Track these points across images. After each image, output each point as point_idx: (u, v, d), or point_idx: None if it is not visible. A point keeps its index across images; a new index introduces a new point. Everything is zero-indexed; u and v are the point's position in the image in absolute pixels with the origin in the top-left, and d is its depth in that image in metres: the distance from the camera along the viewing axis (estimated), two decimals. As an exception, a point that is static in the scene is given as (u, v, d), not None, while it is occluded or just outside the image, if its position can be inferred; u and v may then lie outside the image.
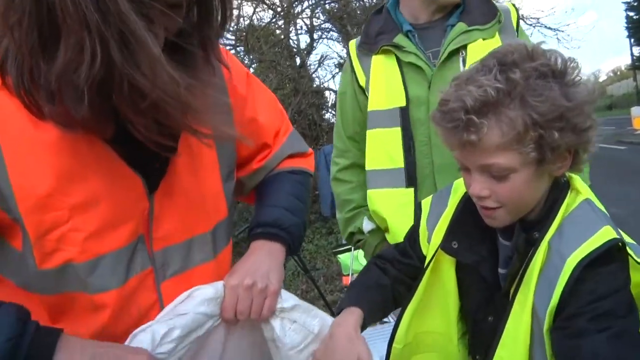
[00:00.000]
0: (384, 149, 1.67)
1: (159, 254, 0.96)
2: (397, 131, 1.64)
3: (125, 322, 0.92)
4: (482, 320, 1.17)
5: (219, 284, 1.03)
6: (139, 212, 0.92)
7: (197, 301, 0.98)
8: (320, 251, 7.20)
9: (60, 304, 0.87)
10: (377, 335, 1.92)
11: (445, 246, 1.16)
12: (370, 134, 1.70)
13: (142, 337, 0.90)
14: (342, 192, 1.86)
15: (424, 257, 1.26)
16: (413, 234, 1.31)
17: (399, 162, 1.64)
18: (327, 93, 11.91)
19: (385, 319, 4.08)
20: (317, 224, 7.85)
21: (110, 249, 0.88)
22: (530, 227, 1.05)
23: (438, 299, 1.23)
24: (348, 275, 5.21)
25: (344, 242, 6.22)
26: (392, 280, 1.28)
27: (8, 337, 0.74)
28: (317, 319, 1.11)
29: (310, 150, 1.33)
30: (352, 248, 5.53)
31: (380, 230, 1.75)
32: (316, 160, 7.62)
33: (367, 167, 1.72)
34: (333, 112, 12.06)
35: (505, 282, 1.09)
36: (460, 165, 1.06)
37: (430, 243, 1.22)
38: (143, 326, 0.92)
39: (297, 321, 1.08)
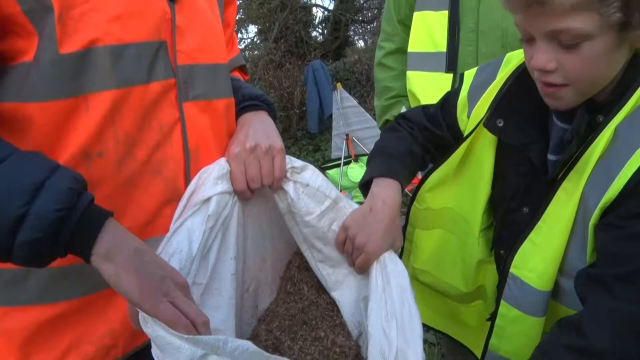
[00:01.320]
0: (428, 32, 1.66)
1: (183, 68, 0.93)
2: (444, 14, 1.61)
3: (146, 135, 0.88)
4: (515, 210, 1.06)
5: (221, 160, 0.97)
6: (160, 13, 0.89)
7: (209, 183, 0.92)
8: (307, 168, 7.16)
9: (69, 110, 0.80)
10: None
11: (489, 124, 1.03)
12: (417, 15, 1.69)
13: (179, 239, 0.86)
14: (385, 79, 1.87)
15: (458, 131, 1.15)
16: (448, 103, 1.19)
17: (442, 46, 1.63)
18: (314, 10, 11.56)
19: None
20: (303, 141, 7.76)
21: (133, 39, 0.85)
22: (594, 109, 0.91)
23: (468, 180, 1.14)
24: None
25: (332, 157, 6.20)
26: (421, 148, 1.19)
27: (58, 207, 0.69)
28: (330, 183, 1.04)
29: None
30: (342, 164, 5.52)
31: None
32: (304, 75, 7.46)
33: (410, 49, 1.71)
34: (320, 30, 11.75)
35: (555, 168, 0.97)
36: (523, 34, 0.90)
37: (471, 117, 1.11)
38: (174, 226, 0.86)
39: (310, 184, 1.00)
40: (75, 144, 0.81)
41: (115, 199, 0.85)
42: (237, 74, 1.24)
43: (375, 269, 0.98)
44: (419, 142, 1.19)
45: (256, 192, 1.00)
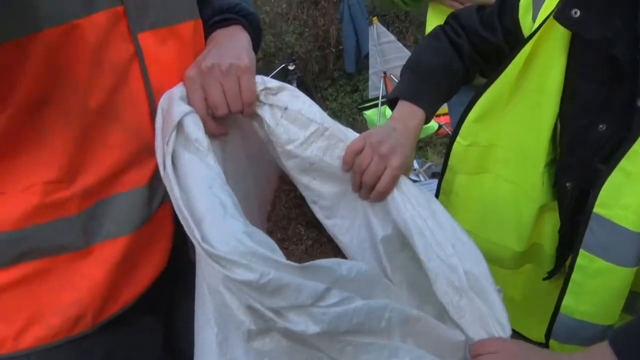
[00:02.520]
0: None
1: None
2: None
3: (98, 79, 0.75)
4: (585, 129, 0.86)
5: (180, 84, 0.83)
6: None
7: (174, 104, 0.78)
8: (345, 109, 6.95)
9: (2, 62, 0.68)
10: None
11: (561, 15, 0.82)
12: None
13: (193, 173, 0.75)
14: None
15: (519, 37, 0.94)
16: (508, 1, 0.98)
17: None
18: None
19: (416, 178, 3.94)
20: (340, 82, 7.51)
21: None
22: None
23: (530, 98, 0.93)
24: (374, 132, 5.02)
25: (370, 97, 5.98)
26: (464, 62, 1.02)
27: None
28: (315, 106, 0.87)
29: None
30: (379, 104, 5.30)
31: None
32: (340, 12, 7.15)
33: None
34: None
35: None
36: None
37: (537, 18, 0.90)
38: (167, 166, 0.75)
39: (290, 107, 0.84)
40: (21, 95, 0.70)
41: (70, 156, 0.73)
42: None
43: (397, 196, 0.83)
44: (463, 53, 1.02)
45: (229, 122, 0.85)
